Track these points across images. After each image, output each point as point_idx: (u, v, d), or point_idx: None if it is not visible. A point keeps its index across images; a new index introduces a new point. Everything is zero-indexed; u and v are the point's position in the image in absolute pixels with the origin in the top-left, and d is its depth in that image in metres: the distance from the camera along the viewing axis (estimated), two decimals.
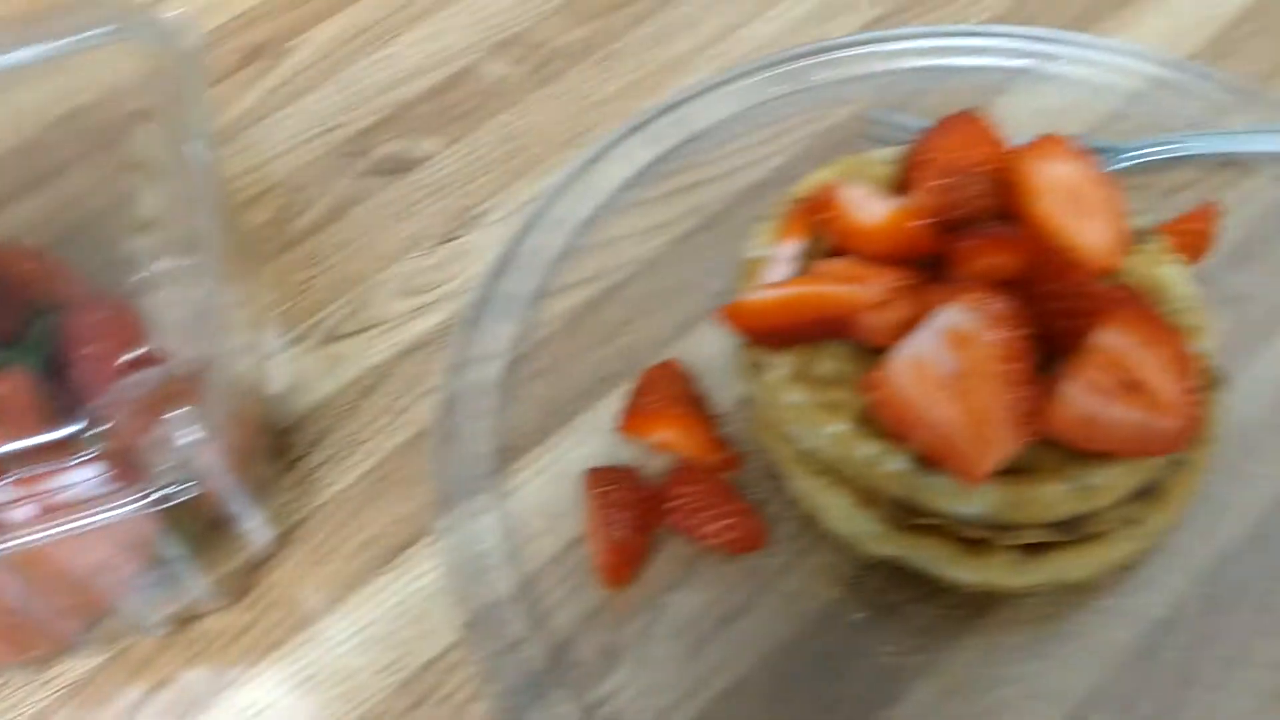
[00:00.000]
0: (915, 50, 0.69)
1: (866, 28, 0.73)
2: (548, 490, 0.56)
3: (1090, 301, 0.44)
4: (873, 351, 0.49)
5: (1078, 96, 0.66)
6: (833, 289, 0.47)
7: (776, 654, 0.50)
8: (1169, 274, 0.51)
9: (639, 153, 0.67)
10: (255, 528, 0.54)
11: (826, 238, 0.49)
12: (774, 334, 0.48)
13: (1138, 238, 0.52)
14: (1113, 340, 0.43)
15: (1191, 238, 0.57)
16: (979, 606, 0.51)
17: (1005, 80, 0.68)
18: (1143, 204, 0.60)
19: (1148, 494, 0.48)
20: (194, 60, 0.58)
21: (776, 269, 0.51)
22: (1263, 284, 0.58)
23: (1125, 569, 0.51)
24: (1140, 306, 0.43)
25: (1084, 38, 0.68)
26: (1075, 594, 0.51)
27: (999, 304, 0.44)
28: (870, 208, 0.48)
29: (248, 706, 0.51)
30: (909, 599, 0.51)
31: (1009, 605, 0.51)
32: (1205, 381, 0.48)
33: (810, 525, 0.53)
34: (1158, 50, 0.67)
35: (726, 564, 0.53)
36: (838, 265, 0.48)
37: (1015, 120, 0.65)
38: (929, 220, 0.48)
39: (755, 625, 0.51)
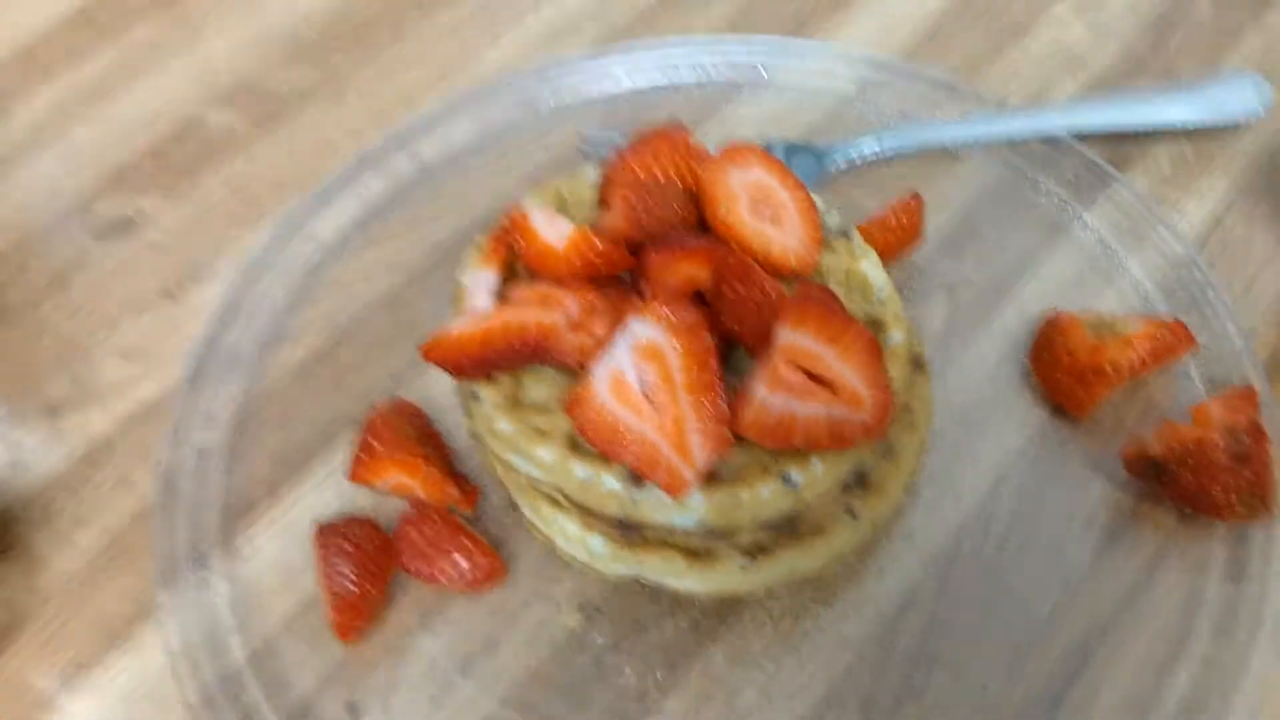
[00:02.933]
0: (639, 68, 0.69)
1: (591, 48, 0.73)
2: (282, 548, 0.54)
3: (771, 303, 0.45)
4: (577, 374, 0.49)
5: (795, 101, 0.68)
6: (524, 315, 0.46)
7: (523, 688, 0.50)
8: (867, 268, 0.52)
9: (370, 188, 0.65)
10: None
11: (520, 263, 0.49)
12: (474, 365, 0.47)
13: (836, 235, 0.53)
14: (793, 338, 0.43)
15: (899, 230, 0.58)
16: (721, 615, 0.51)
17: (728, 91, 0.69)
18: (862, 200, 0.62)
19: (862, 485, 0.48)
20: None
21: (476, 297, 0.50)
22: (974, 269, 0.60)
23: (861, 560, 0.52)
24: (816, 302, 0.44)
25: (797, 46, 0.69)
26: (813, 591, 0.52)
27: (684, 314, 0.44)
28: (555, 229, 0.47)
29: None
30: (655, 615, 0.51)
31: (750, 610, 0.51)
32: (907, 367, 0.49)
33: (553, 555, 0.53)
34: (867, 52, 0.69)
35: (472, 601, 0.52)
36: (530, 290, 0.48)
37: (738, 129, 0.67)
38: (620, 236, 0.48)
39: (499, 662, 0.50)
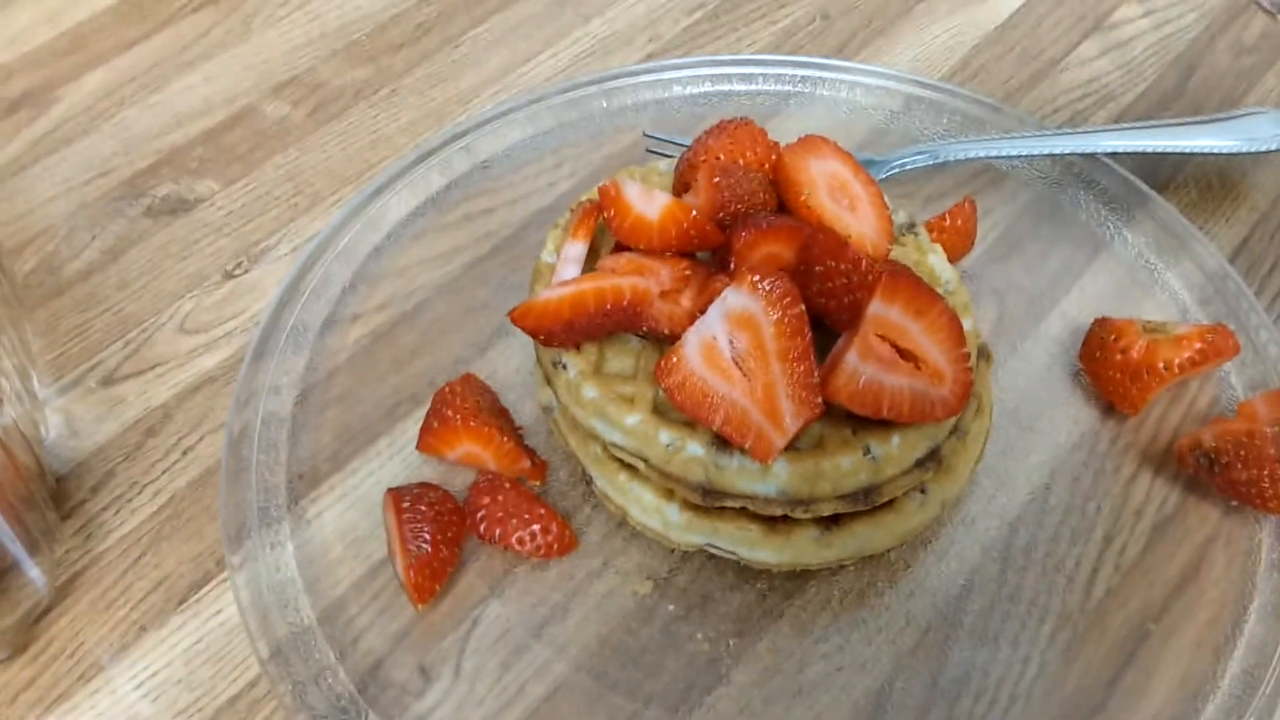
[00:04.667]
0: (692, 78, 0.72)
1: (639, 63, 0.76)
2: (348, 516, 0.54)
3: (865, 277, 0.46)
4: (659, 347, 0.50)
5: (844, 116, 0.71)
6: (619, 281, 0.48)
7: (593, 655, 0.50)
8: (935, 261, 0.54)
9: (429, 180, 0.67)
10: (33, 578, 0.51)
11: (611, 235, 0.50)
12: (564, 331, 0.48)
13: (902, 230, 0.55)
14: (883, 310, 0.45)
15: (954, 233, 0.61)
16: (788, 590, 0.52)
17: (777, 104, 0.71)
18: (910, 210, 0.65)
19: (933, 464, 0.50)
20: None
21: (564, 269, 0.51)
22: (1021, 277, 0.63)
23: (922, 543, 0.54)
24: (907, 277, 0.46)
25: (846, 64, 0.72)
26: (877, 570, 0.53)
27: (778, 285, 0.45)
28: (650, 202, 0.49)
29: None
30: (722, 588, 0.52)
31: (816, 585, 0.52)
32: (975, 355, 0.51)
33: (620, 527, 0.54)
34: (912, 73, 0.72)
35: (539, 571, 0.52)
36: (622, 260, 0.49)
37: (787, 139, 0.69)
38: (708, 213, 0.50)
39: (570, 629, 0.51)
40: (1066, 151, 0.65)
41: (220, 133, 0.72)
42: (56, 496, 0.55)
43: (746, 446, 0.46)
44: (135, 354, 0.61)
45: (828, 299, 0.47)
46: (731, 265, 0.49)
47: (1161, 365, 0.55)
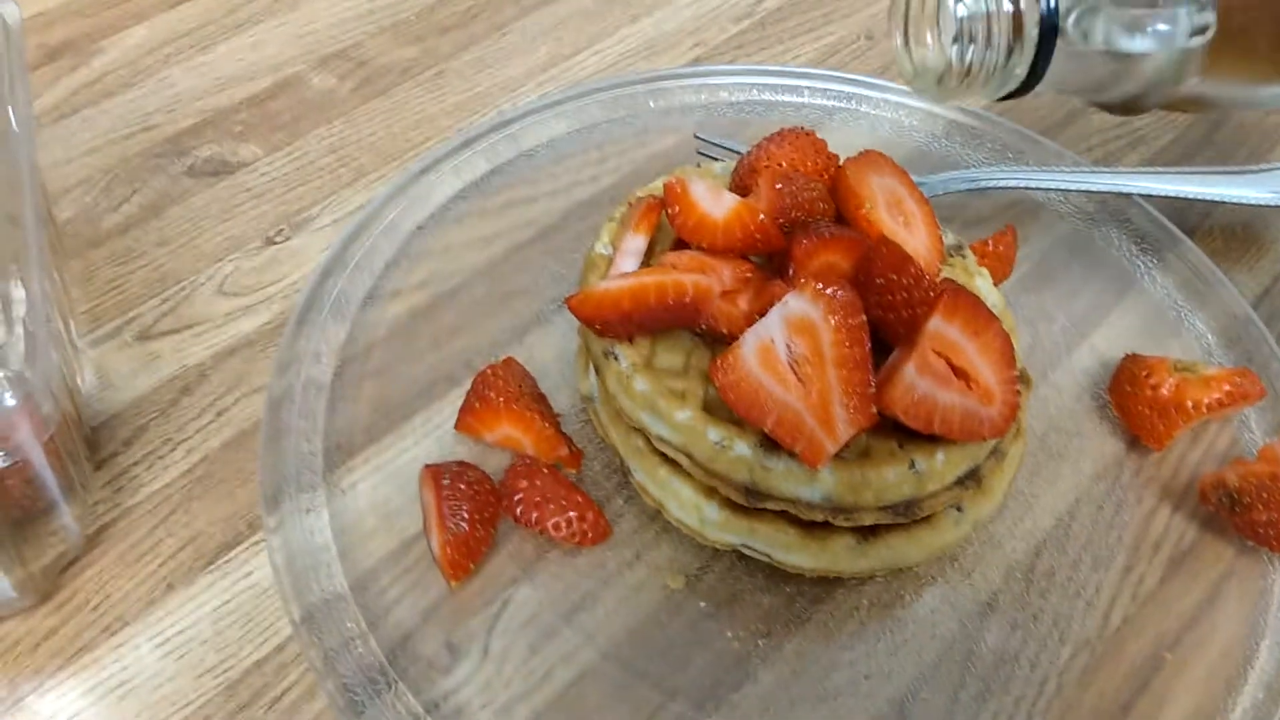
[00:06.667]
0: (740, 85, 0.73)
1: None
2: (381, 490, 0.54)
3: (925, 293, 0.47)
4: (710, 345, 0.51)
5: (886, 135, 0.72)
6: (682, 277, 0.48)
7: (621, 645, 0.50)
8: (981, 285, 0.55)
9: (474, 165, 0.67)
10: (67, 524, 0.51)
11: (673, 230, 0.51)
12: (621, 322, 0.49)
13: (951, 251, 0.56)
14: (942, 327, 0.46)
15: (995, 259, 0.62)
16: (816, 595, 0.53)
17: (821, 118, 0.72)
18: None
19: (972, 483, 0.51)
20: (13, 37, 0.55)
21: (623, 261, 0.52)
22: (1055, 306, 0.64)
23: (950, 559, 0.54)
24: (966, 295, 0.47)
25: (891, 85, 0.73)
26: (905, 582, 0.54)
27: (840, 293, 0.46)
28: (717, 202, 0.50)
29: (51, 717, 0.47)
30: (751, 588, 0.53)
31: (844, 593, 0.53)
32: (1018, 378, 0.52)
33: (654, 520, 0.54)
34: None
35: (570, 559, 0.53)
36: (684, 257, 0.50)
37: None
38: (769, 218, 0.51)
39: (600, 617, 0.51)
40: (1102, 189, 0.66)
41: (265, 99, 0.72)
42: (87, 447, 0.55)
43: (797, 450, 0.47)
44: (173, 311, 0.61)
45: (885, 311, 0.48)
46: (790, 272, 0.50)
47: (1190, 404, 0.56)
